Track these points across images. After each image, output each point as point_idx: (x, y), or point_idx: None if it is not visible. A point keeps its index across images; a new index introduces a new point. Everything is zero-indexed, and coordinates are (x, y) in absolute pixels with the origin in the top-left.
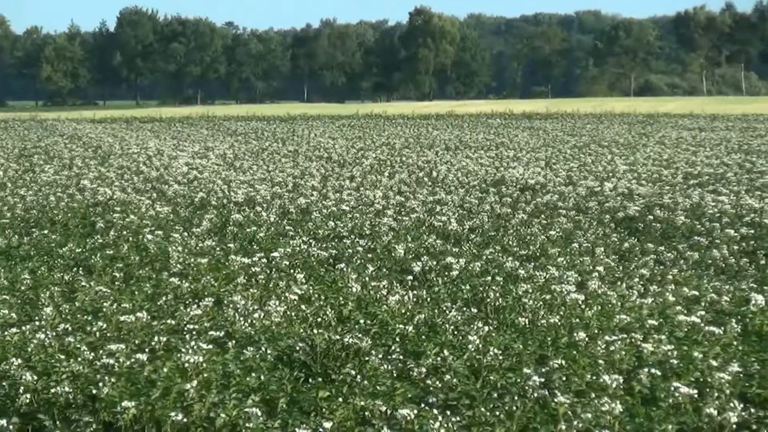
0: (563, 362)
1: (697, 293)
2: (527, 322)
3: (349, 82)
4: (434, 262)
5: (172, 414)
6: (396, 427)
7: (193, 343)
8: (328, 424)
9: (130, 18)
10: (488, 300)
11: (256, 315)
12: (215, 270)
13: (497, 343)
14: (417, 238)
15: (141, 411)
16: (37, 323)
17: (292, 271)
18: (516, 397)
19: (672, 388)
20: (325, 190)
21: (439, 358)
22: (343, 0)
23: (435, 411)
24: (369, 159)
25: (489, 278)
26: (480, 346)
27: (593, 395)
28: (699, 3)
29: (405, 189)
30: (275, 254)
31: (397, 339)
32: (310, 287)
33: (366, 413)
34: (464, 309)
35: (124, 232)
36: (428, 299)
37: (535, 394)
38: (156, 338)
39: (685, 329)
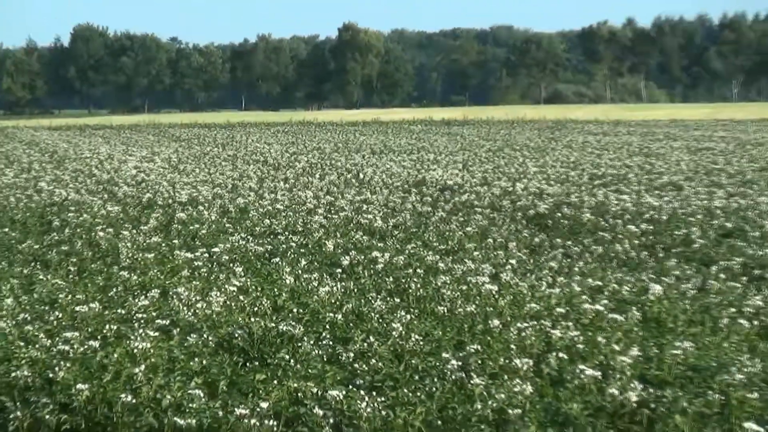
0: (479, 347)
1: (600, 284)
2: (446, 311)
3: (284, 92)
4: (361, 256)
5: (122, 395)
6: (326, 407)
7: (141, 330)
8: (264, 404)
9: (82, 34)
10: (410, 290)
11: (198, 305)
12: (161, 264)
13: (418, 330)
14: (345, 235)
15: (94, 393)
16: None
17: (231, 264)
18: (436, 379)
19: (578, 371)
20: (261, 191)
21: (365, 344)
22: (278, 16)
23: (362, 392)
24: (301, 162)
25: (411, 271)
26: (403, 332)
27: (506, 377)
28: (602, 18)
29: (334, 190)
30: (216, 249)
31: (327, 326)
32: (248, 279)
33: (299, 394)
34: (388, 299)
35: (78, 230)
36: (355, 290)
37: (453, 377)
38: (107, 326)
39: (590, 317)
